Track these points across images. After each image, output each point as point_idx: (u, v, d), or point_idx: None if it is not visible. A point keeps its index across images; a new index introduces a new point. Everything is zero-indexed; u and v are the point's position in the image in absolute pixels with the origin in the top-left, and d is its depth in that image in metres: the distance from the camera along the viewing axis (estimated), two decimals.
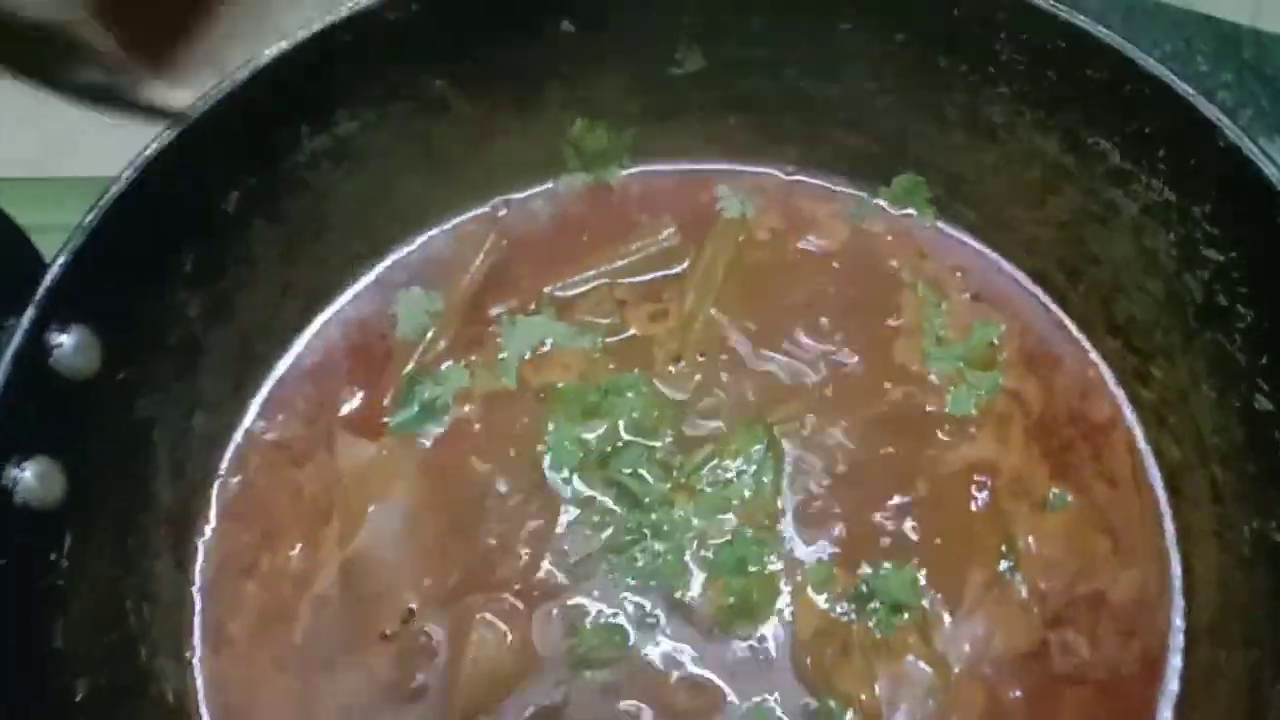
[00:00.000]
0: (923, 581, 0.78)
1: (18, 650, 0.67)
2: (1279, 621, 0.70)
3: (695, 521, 0.81)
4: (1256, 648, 0.71)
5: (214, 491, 0.85)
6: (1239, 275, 0.75)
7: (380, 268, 0.94)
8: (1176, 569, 0.79)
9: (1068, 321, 0.88)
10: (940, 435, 0.84)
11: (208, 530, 0.84)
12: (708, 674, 0.77)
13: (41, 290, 0.70)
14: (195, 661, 0.79)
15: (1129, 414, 0.85)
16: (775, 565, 0.80)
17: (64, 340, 0.71)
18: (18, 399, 0.68)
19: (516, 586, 0.80)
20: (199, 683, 0.78)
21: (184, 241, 0.81)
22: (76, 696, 0.70)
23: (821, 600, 0.78)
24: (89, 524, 0.74)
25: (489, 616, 0.79)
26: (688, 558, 0.81)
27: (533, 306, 0.91)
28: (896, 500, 0.82)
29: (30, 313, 0.69)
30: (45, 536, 0.71)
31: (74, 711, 0.69)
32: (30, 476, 0.69)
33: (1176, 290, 0.81)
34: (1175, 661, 0.76)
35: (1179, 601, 0.78)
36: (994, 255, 0.92)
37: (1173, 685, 0.75)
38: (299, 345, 0.91)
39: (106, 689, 0.72)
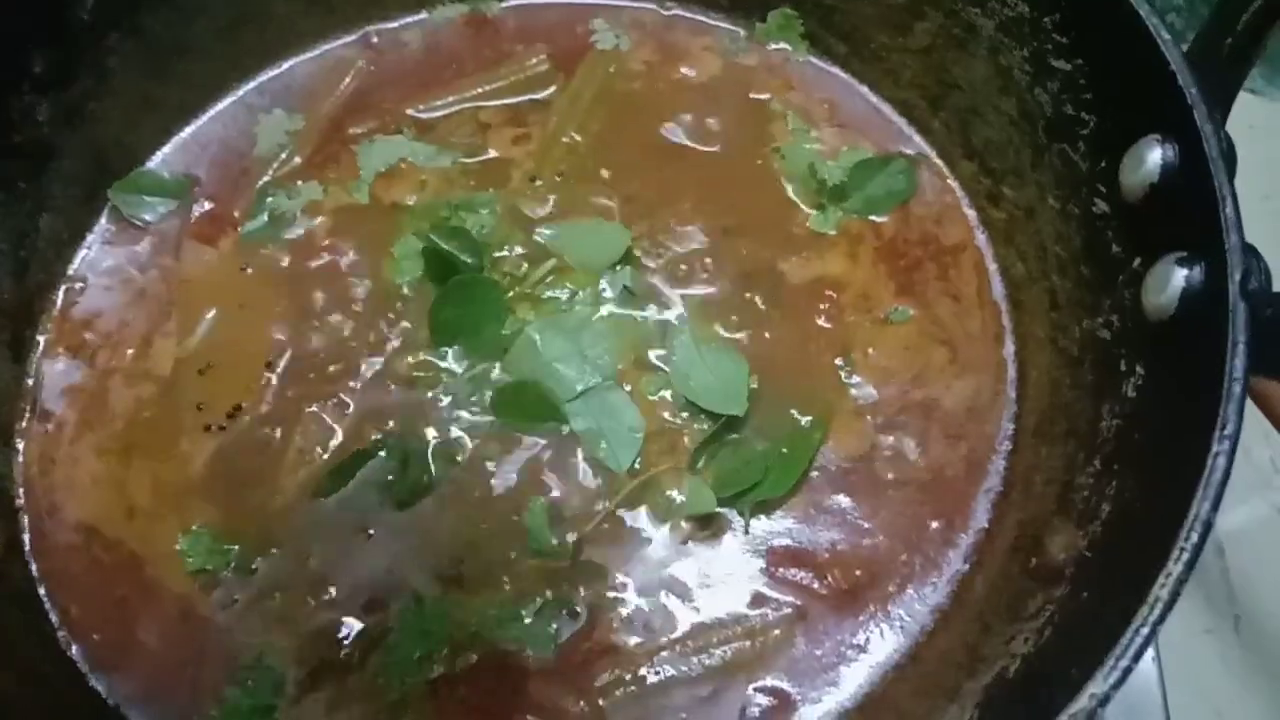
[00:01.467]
0: (754, 385, 0.77)
1: None
2: (1096, 412, 0.69)
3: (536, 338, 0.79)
4: (1074, 438, 0.70)
5: (59, 293, 0.84)
6: (1084, 82, 0.75)
7: (244, 89, 0.92)
8: (1012, 375, 0.78)
9: (929, 149, 0.87)
10: (794, 252, 0.83)
11: (48, 326, 0.83)
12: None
13: None
14: (19, 446, 0.77)
15: (980, 235, 0.84)
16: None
17: None
18: None
19: (349, 385, 0.78)
20: (18, 464, 0.76)
21: (34, 43, 0.80)
22: None
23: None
24: None
25: (317, 410, 0.78)
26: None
27: (393, 128, 0.90)
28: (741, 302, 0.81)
29: None
30: None
31: None
32: None
33: (1028, 106, 0.80)
34: (999, 462, 0.75)
35: (1011, 407, 0.77)
36: (861, 87, 0.91)
37: (994, 483, 0.74)
38: (155, 160, 0.90)
39: None
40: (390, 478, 0.75)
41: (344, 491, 0.76)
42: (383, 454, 0.76)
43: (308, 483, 0.76)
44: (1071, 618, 0.60)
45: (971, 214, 0.84)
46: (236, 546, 0.75)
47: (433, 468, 0.76)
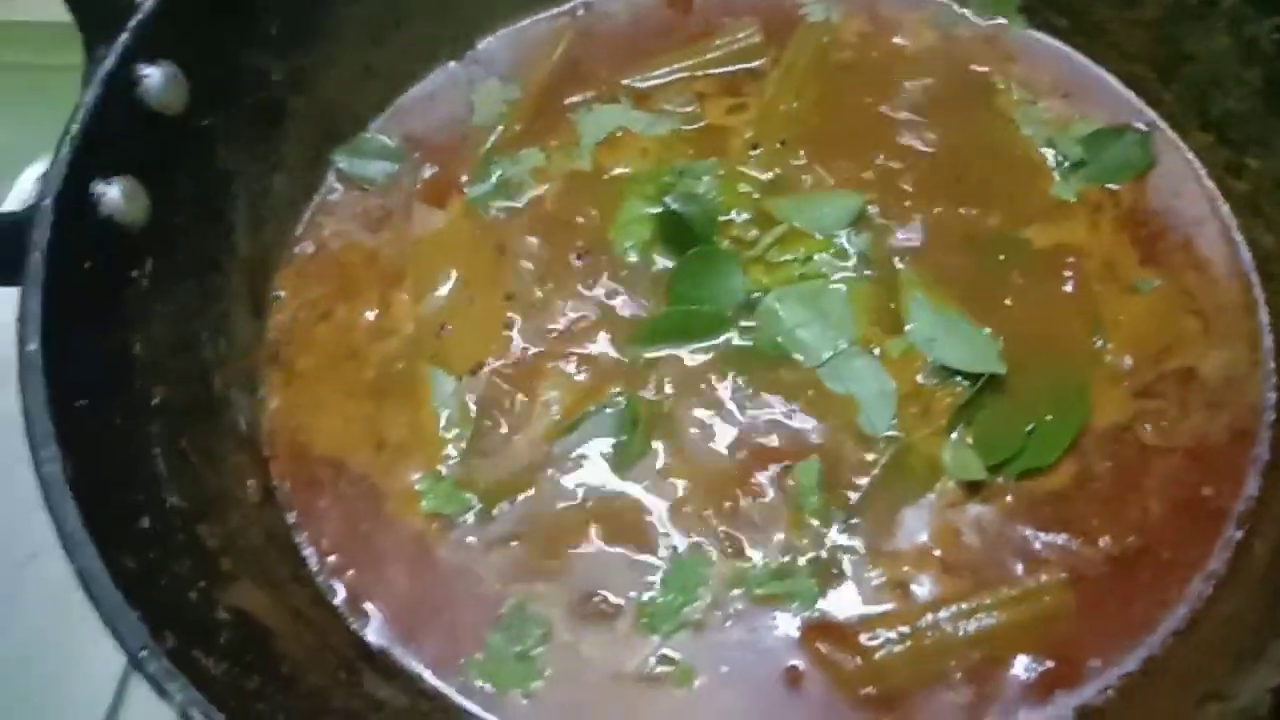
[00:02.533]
0: (1006, 349, 0.76)
1: (102, 349, 0.68)
2: None
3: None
4: None
5: (294, 250, 0.85)
6: None
7: (458, 60, 0.93)
8: (1269, 345, 0.76)
9: (1160, 121, 0.86)
10: (1036, 218, 0.82)
11: (285, 283, 0.84)
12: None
13: (133, 22, 0.70)
14: (264, 395, 0.78)
15: (1222, 206, 0.82)
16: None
17: (152, 72, 0.72)
18: (106, 120, 0.69)
19: (586, 346, 0.79)
20: (267, 413, 0.77)
21: (270, 7, 0.82)
22: (153, 400, 0.70)
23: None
24: (170, 253, 0.74)
25: (557, 366, 0.78)
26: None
27: (609, 97, 0.90)
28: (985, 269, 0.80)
29: (123, 39, 0.70)
30: (129, 254, 0.72)
31: (150, 413, 0.69)
32: (116, 193, 0.69)
33: (1277, 76, 0.78)
34: (1264, 432, 0.73)
35: (1271, 378, 0.75)
36: (1084, 60, 0.90)
37: (1261, 451, 0.73)
38: (376, 125, 0.91)
39: (182, 404, 0.72)
40: (616, 441, 0.74)
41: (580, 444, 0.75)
42: (609, 412, 0.75)
43: (547, 437, 0.75)
44: None
45: (1211, 185, 0.83)
46: (474, 495, 0.74)
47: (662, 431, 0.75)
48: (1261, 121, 0.80)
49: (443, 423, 0.78)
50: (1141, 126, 0.86)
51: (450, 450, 0.77)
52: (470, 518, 0.75)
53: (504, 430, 0.77)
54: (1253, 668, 0.60)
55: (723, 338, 0.79)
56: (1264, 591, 0.66)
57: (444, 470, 0.76)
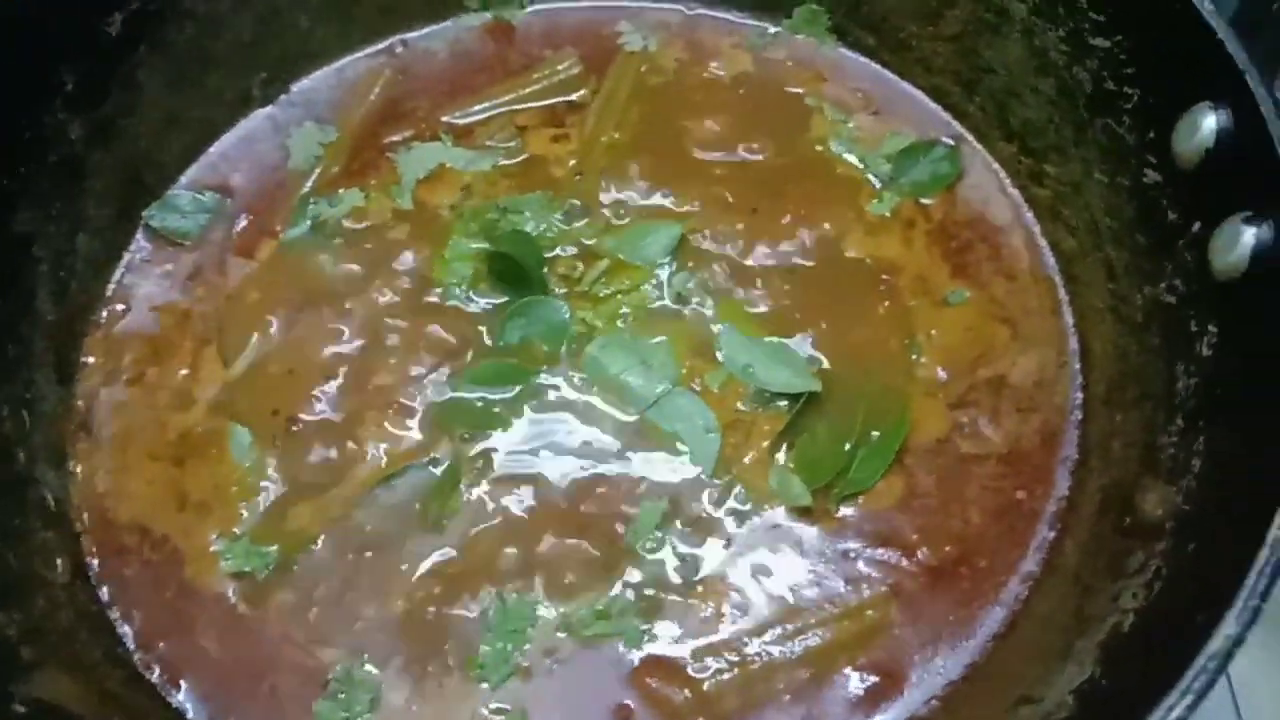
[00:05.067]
0: (825, 368, 0.77)
1: None
2: (1170, 373, 0.70)
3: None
4: (1149, 402, 0.71)
5: (102, 314, 0.82)
6: (1125, 57, 0.77)
7: (272, 104, 0.91)
8: (1074, 346, 0.79)
9: (965, 133, 0.89)
10: (850, 238, 0.84)
11: (93, 347, 0.81)
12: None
13: None
14: (73, 467, 0.75)
15: (1026, 214, 0.85)
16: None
17: None
18: None
19: (410, 394, 0.78)
20: (76, 485, 0.75)
21: (65, 59, 0.79)
22: None
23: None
24: None
25: (377, 417, 0.77)
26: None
27: (429, 134, 0.89)
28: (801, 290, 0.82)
29: None
30: None
31: None
32: None
33: (1067, 84, 0.82)
34: (1072, 431, 0.76)
35: (1077, 378, 0.78)
36: (892, 76, 0.93)
37: (1070, 452, 0.75)
38: (187, 176, 0.88)
39: None
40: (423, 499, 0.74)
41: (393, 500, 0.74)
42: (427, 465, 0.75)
43: (361, 488, 0.74)
44: (1181, 568, 0.60)
45: (1015, 193, 0.86)
46: (275, 548, 0.73)
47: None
48: (1057, 130, 0.83)
49: (240, 480, 0.76)
50: (948, 140, 0.88)
51: (244, 511, 0.75)
52: (271, 573, 0.73)
53: (319, 485, 0.74)
54: (1060, 668, 0.62)
55: (549, 381, 0.77)
56: (1074, 590, 0.68)
57: (238, 530, 0.74)
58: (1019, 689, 0.63)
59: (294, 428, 0.76)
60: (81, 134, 0.82)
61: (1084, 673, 0.60)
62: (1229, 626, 0.53)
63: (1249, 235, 0.65)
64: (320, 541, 0.73)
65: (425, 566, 0.72)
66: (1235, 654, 0.53)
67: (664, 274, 0.82)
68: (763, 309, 0.80)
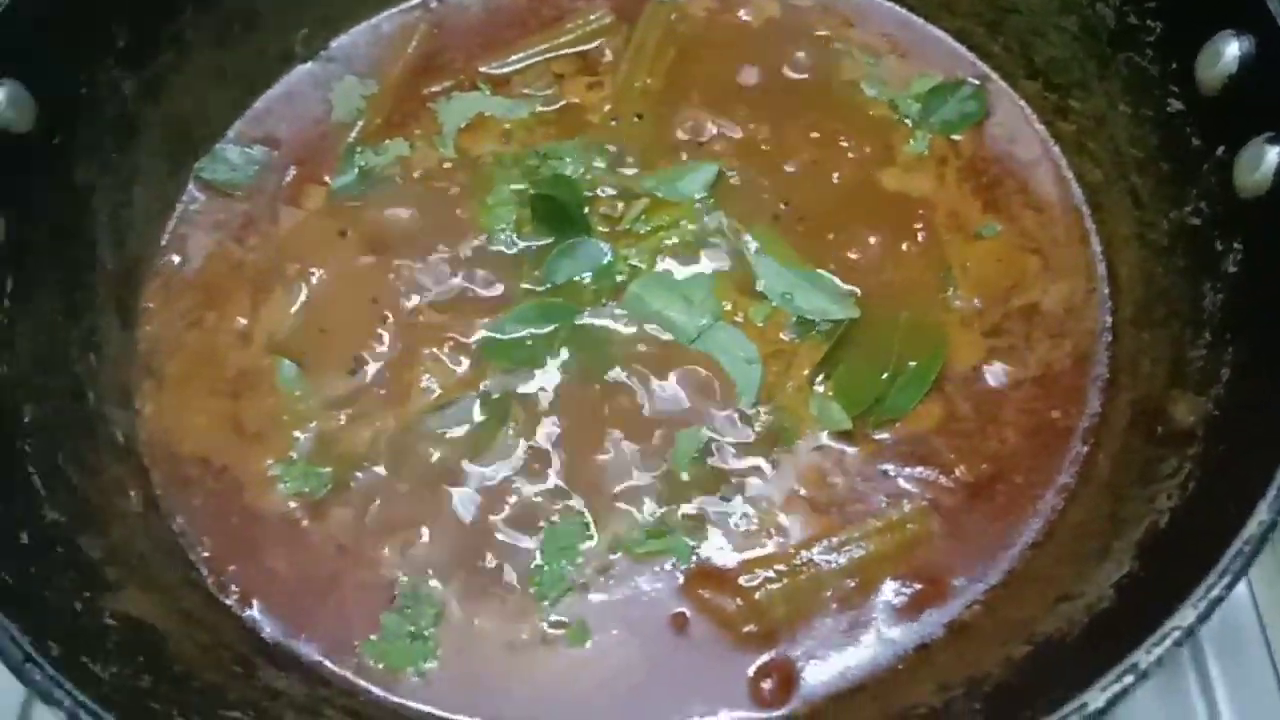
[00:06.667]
0: (860, 298, 0.80)
1: None
2: (1196, 291, 0.73)
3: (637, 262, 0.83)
4: (1176, 320, 0.74)
5: (160, 262, 0.85)
6: None
7: (312, 61, 0.94)
8: (1102, 272, 0.81)
9: (990, 72, 0.91)
10: (884, 175, 0.86)
11: (153, 295, 0.84)
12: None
13: None
14: (139, 407, 0.78)
15: (1053, 148, 0.87)
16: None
17: None
18: None
19: (461, 331, 0.80)
20: (142, 424, 0.78)
21: (117, 17, 0.82)
22: (24, 418, 0.69)
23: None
24: (32, 272, 0.74)
25: (434, 352, 0.79)
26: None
27: (468, 85, 0.92)
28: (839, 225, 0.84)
29: None
30: None
31: (22, 431, 0.68)
32: None
33: (1090, 21, 0.84)
34: (1102, 353, 0.78)
35: (1106, 303, 0.81)
36: (917, 20, 0.95)
37: (1100, 371, 0.78)
38: (234, 130, 0.91)
39: (55, 421, 0.72)
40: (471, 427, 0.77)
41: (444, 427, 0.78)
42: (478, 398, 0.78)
43: (414, 415, 0.78)
44: (1213, 468, 0.63)
45: (1041, 129, 0.88)
46: (329, 469, 0.76)
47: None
48: (1080, 66, 0.85)
49: (292, 409, 0.79)
50: (974, 80, 0.90)
51: (298, 435, 0.78)
52: (329, 492, 0.76)
53: (375, 403, 0.79)
54: (1097, 567, 0.65)
55: (594, 320, 0.80)
56: (1108, 498, 0.71)
57: (294, 454, 0.77)
58: (1058, 589, 0.66)
59: (349, 365, 0.79)
60: (134, 90, 0.84)
61: (1122, 569, 0.63)
62: (1262, 513, 0.55)
63: (1273, 154, 0.67)
64: (375, 465, 0.76)
65: (476, 490, 0.75)
66: (1270, 539, 0.55)
67: (703, 209, 0.84)
68: (800, 241, 0.82)
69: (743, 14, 0.96)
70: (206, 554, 0.74)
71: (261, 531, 0.75)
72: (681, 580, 0.71)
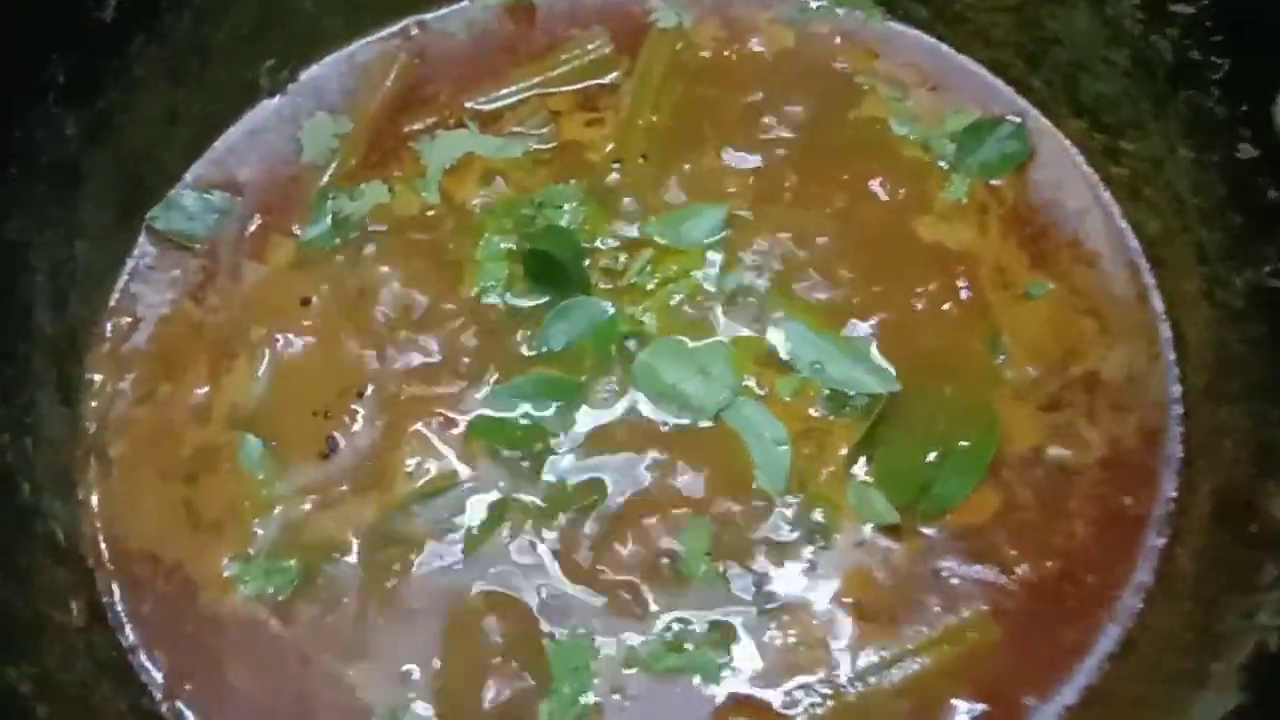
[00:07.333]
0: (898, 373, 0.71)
1: None
2: (1279, 364, 0.64)
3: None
4: (1258, 397, 0.66)
5: (107, 327, 0.75)
6: (1211, 24, 0.71)
7: (280, 94, 0.84)
8: (1167, 335, 0.73)
9: (1030, 108, 0.83)
10: (918, 225, 0.77)
11: (98, 364, 0.74)
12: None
13: None
14: (82, 496, 0.68)
15: (1104, 194, 0.79)
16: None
17: None
18: None
19: (449, 405, 0.71)
20: (89, 516, 0.68)
21: (55, 50, 0.72)
22: None
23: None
24: None
25: (423, 430, 0.70)
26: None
27: (453, 121, 0.82)
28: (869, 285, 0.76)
29: None
30: None
31: None
32: None
33: (1144, 55, 0.76)
34: (1174, 429, 0.70)
35: (1172, 370, 0.72)
36: (948, 50, 0.86)
37: (1173, 450, 0.70)
38: (190, 175, 0.81)
39: None
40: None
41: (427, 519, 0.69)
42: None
43: (393, 503, 0.70)
44: None
45: (1090, 172, 0.80)
46: (293, 562, 0.68)
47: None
48: (1133, 103, 0.77)
49: (253, 494, 0.71)
50: (1014, 118, 0.82)
51: (258, 529, 0.70)
52: (297, 587, 0.68)
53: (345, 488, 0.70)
54: (1195, 694, 0.57)
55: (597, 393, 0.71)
56: (1197, 606, 0.63)
57: (252, 550, 0.69)
58: (1148, 715, 0.57)
59: (320, 445, 0.70)
60: (76, 132, 0.74)
61: (1227, 700, 0.54)
62: None
63: None
64: (346, 554, 0.69)
65: (468, 592, 0.66)
66: None
67: (715, 259, 0.75)
68: (828, 300, 0.73)
69: (754, 44, 0.87)
70: (160, 673, 0.64)
71: (221, 641, 0.66)
72: (711, 708, 0.61)
